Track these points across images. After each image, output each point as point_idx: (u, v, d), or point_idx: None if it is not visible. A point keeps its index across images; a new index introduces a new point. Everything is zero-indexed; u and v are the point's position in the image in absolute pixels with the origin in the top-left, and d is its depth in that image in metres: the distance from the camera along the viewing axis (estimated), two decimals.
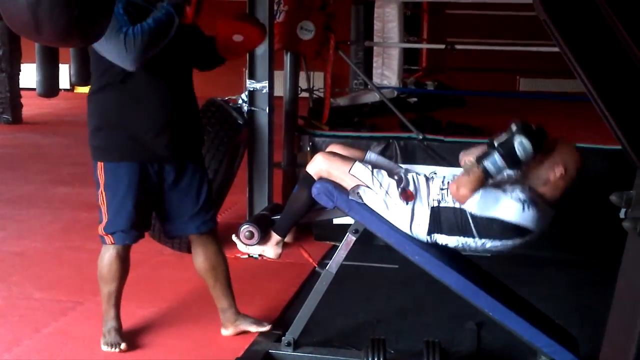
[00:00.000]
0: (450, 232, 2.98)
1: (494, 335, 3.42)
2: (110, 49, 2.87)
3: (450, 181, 3.00)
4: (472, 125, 5.23)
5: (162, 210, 3.32)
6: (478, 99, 7.50)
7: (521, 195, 2.87)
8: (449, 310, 3.68)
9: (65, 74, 11.32)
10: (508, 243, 2.95)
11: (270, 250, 3.21)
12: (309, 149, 4.98)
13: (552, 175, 2.94)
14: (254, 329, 3.47)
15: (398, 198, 2.99)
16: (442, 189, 3.02)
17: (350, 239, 3.10)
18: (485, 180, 2.88)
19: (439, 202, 2.99)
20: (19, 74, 10.27)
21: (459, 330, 3.57)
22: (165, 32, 2.91)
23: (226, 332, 3.51)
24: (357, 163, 3.05)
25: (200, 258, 3.42)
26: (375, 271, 4.45)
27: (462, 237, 2.97)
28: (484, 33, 9.22)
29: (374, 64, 7.01)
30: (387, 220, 3.03)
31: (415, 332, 3.57)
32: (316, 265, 4.44)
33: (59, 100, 10.63)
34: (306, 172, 3.11)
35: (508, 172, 3.02)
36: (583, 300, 4.05)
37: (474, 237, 2.95)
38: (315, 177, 3.06)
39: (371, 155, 3.24)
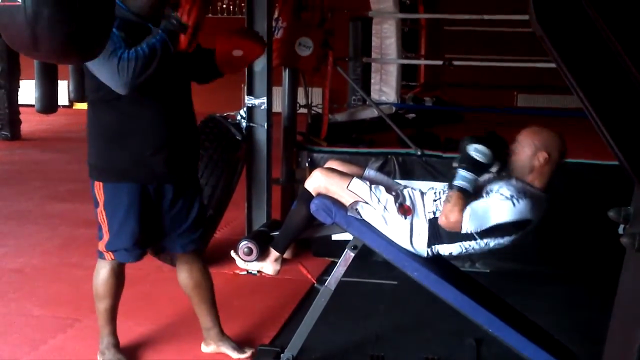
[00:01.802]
0: (451, 240, 2.99)
1: (493, 351, 3.41)
2: (103, 71, 2.85)
3: (442, 191, 3.03)
4: None
5: (157, 227, 3.27)
6: (476, 115, 7.51)
7: (507, 191, 2.90)
8: (448, 327, 3.67)
9: (64, 91, 11.34)
10: (510, 238, 2.97)
11: (269, 266, 3.20)
12: (307, 164, 4.98)
13: (535, 161, 2.98)
14: (234, 355, 3.45)
15: (396, 213, 3.00)
16: (435, 201, 3.04)
17: (349, 255, 3.10)
18: (467, 198, 2.89)
19: (434, 213, 3.01)
20: (17, 91, 10.29)
21: (458, 347, 3.56)
22: (158, 59, 2.87)
23: (206, 349, 3.49)
24: (355, 179, 3.05)
25: (184, 274, 3.40)
26: (374, 287, 4.44)
27: (464, 242, 2.98)
28: (482, 49, 9.25)
29: (372, 80, 7.02)
30: (386, 236, 3.03)
31: (414, 348, 3.56)
32: (315, 282, 4.43)
33: (58, 117, 10.65)
34: (304, 188, 3.11)
35: (488, 176, 3.06)
36: (582, 316, 4.04)
37: (475, 239, 2.96)
38: (314, 194, 3.06)
39: (370, 172, 3.24)
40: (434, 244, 3.00)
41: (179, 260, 3.41)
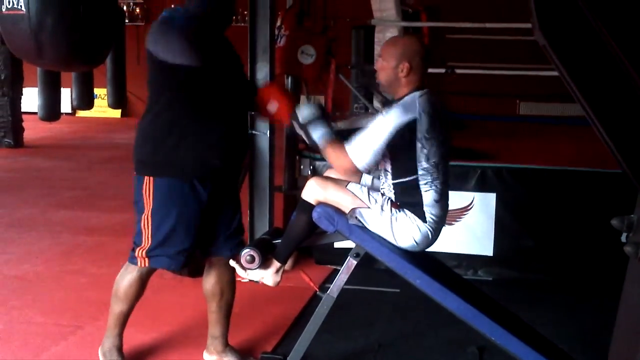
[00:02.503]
0: (418, 197, 3.00)
1: (496, 359, 3.40)
2: (174, 47, 2.96)
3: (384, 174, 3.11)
4: (472, 149, 5.25)
5: (203, 230, 3.24)
6: (478, 123, 7.51)
7: (379, 114, 2.99)
8: (451, 335, 3.67)
9: (67, 98, 11.35)
10: (423, 143, 2.96)
11: (269, 277, 3.20)
12: (309, 172, 4.98)
13: (400, 73, 3.02)
14: None
15: (391, 210, 3.00)
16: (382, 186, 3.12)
17: (351, 262, 3.09)
18: (335, 141, 3.03)
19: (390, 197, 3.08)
20: (20, 98, 10.32)
21: (461, 355, 3.55)
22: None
23: (209, 357, 3.48)
24: (351, 183, 3.06)
25: (212, 280, 3.38)
26: (376, 295, 4.44)
27: (422, 185, 2.99)
28: (484, 57, 9.26)
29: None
30: (389, 244, 3.03)
31: (417, 356, 3.55)
32: (317, 290, 4.43)
33: (61, 124, 10.66)
34: (302, 199, 3.11)
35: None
36: (585, 325, 4.03)
37: (415, 174, 2.98)
38: (313, 203, 3.06)
39: (366, 178, 3.26)
40: (423, 216, 3.00)
41: (211, 264, 3.38)
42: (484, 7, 10.06)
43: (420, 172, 2.97)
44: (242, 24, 5.90)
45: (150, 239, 3.12)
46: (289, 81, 5.22)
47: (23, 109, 10.41)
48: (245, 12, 5.00)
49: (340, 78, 5.35)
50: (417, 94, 3.00)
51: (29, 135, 10.51)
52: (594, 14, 1.57)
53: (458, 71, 6.85)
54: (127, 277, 3.23)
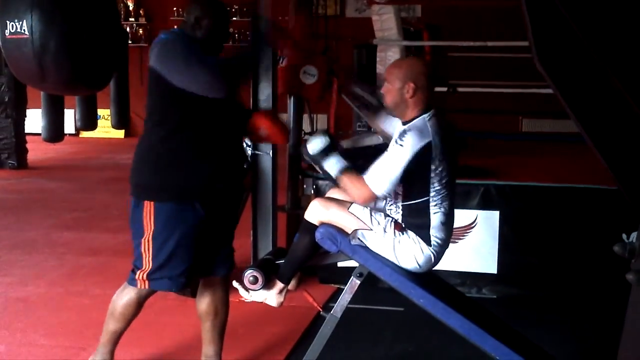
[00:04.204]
0: (426, 217, 3.01)
1: None
2: (199, 79, 3.00)
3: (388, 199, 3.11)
4: (475, 167, 5.24)
5: (203, 249, 3.26)
6: (480, 141, 7.51)
7: (393, 141, 3.02)
8: (455, 354, 3.65)
9: (70, 119, 11.39)
10: (436, 166, 2.98)
11: (272, 298, 3.20)
12: (312, 192, 4.98)
13: (406, 94, 3.05)
14: None
15: (394, 232, 3.00)
16: (389, 208, 3.12)
17: (354, 282, 3.09)
18: (352, 171, 3.05)
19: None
20: (24, 120, 10.34)
21: None
22: (250, 68, 3.24)
23: None
24: (354, 204, 3.06)
25: (206, 300, 3.39)
26: (380, 314, 4.42)
27: (431, 207, 3.01)
28: (486, 75, 9.27)
29: None
30: (391, 263, 3.03)
31: None
32: (321, 310, 4.40)
33: (64, 145, 10.67)
34: (305, 219, 3.11)
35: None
36: (589, 343, 4.02)
37: (427, 195, 3.00)
38: (316, 223, 3.06)
39: None
40: (428, 238, 2.99)
41: (205, 285, 3.38)
42: (485, 26, 10.10)
43: (432, 193, 2.98)
44: (246, 44, 5.92)
45: (150, 262, 3.13)
46: (291, 101, 5.23)
47: (27, 130, 10.43)
48: (248, 32, 5.01)
49: (342, 97, 5.35)
50: (425, 117, 3.02)
51: (33, 156, 10.52)
52: (592, 44, 1.58)
53: (460, 89, 6.86)
54: (125, 297, 3.24)
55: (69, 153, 11.44)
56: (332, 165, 3.06)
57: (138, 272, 3.16)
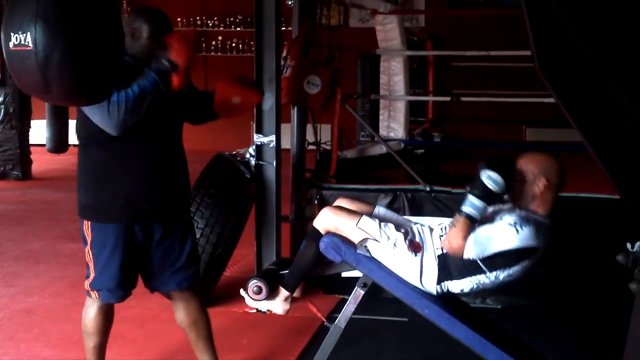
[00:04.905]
0: (461, 275, 2.98)
1: None
2: (95, 113, 2.90)
3: (448, 226, 3.01)
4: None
5: (145, 266, 3.26)
6: (485, 150, 7.51)
7: (511, 219, 2.91)
8: None
9: (74, 130, 11.43)
10: (519, 268, 2.96)
11: (278, 306, 3.19)
12: (316, 202, 4.98)
13: (536, 189, 2.99)
14: None
15: (406, 250, 2.99)
16: (441, 236, 3.04)
17: (358, 292, 3.09)
18: (473, 225, 2.90)
19: (442, 249, 3.00)
20: (28, 131, 10.36)
21: None
22: (149, 100, 2.91)
23: None
24: (364, 217, 3.06)
25: (181, 312, 3.38)
26: (384, 325, 4.41)
27: (474, 277, 2.97)
28: (489, 84, 9.28)
29: (381, 117, 7.05)
30: (396, 274, 3.02)
31: None
32: (325, 320, 4.41)
33: (69, 156, 10.68)
34: (313, 227, 3.11)
35: (499, 205, 3.08)
36: (595, 353, 4.00)
37: (485, 272, 2.96)
38: (322, 232, 3.06)
39: (379, 210, 3.25)
40: (443, 281, 3.00)
41: (175, 298, 3.38)
42: (488, 35, 10.11)
43: (489, 273, 2.98)
44: (249, 54, 5.94)
45: (93, 271, 3.17)
46: (294, 111, 5.24)
47: (31, 141, 10.46)
48: (252, 42, 5.03)
49: (346, 107, 5.36)
50: (550, 223, 3.00)
51: (37, 167, 10.54)
52: (593, 53, 1.58)
53: (464, 99, 6.86)
54: (89, 311, 3.26)
55: (73, 164, 11.37)
56: (470, 203, 2.91)
57: (86, 282, 3.21)
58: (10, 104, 10.06)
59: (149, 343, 3.96)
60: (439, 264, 3.00)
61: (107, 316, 3.27)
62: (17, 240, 6.66)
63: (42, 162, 10.79)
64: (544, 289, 4.68)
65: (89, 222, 3.14)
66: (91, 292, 3.21)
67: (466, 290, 3.03)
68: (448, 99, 7.17)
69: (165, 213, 3.19)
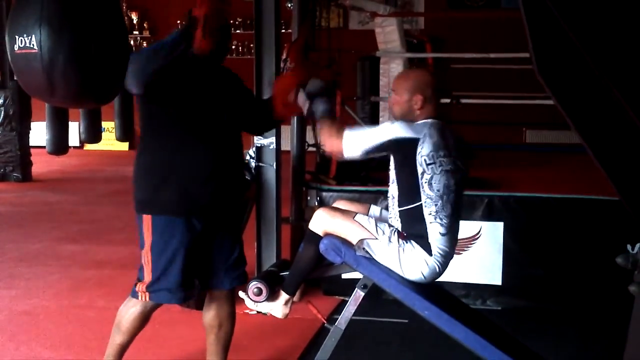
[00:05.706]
0: (418, 216, 3.02)
1: None
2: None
3: (392, 196, 3.12)
4: (478, 178, 5.25)
5: (205, 264, 3.26)
6: (484, 152, 7.52)
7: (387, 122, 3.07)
8: None
9: (74, 132, 11.43)
10: (437, 173, 3.00)
11: (278, 309, 3.20)
12: (316, 203, 4.99)
13: (414, 105, 3.10)
14: None
15: (397, 241, 3.00)
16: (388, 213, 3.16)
17: (358, 294, 3.09)
18: (334, 121, 3.16)
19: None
20: (28, 133, 10.37)
21: None
22: (166, 51, 2.96)
23: None
24: (359, 214, 3.08)
25: (211, 312, 3.38)
26: (384, 326, 4.42)
27: (421, 203, 3.02)
28: (489, 86, 9.28)
29: (380, 119, 7.05)
30: (396, 275, 3.03)
31: None
32: (325, 321, 4.40)
33: (69, 158, 10.71)
34: (310, 230, 3.12)
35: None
36: (594, 355, 4.00)
37: (418, 192, 3.02)
38: (321, 234, 3.07)
39: (374, 209, 3.26)
40: (421, 241, 3.01)
41: (211, 297, 3.38)
42: (488, 37, 10.12)
43: (424, 199, 2.98)
44: (249, 57, 5.95)
45: (150, 274, 3.14)
46: None
47: (31, 143, 10.47)
48: (252, 45, 5.04)
49: (346, 109, 5.37)
50: (429, 121, 3.04)
51: (37, 169, 10.55)
52: (591, 55, 1.59)
53: (463, 101, 6.87)
54: (130, 310, 3.24)
55: (73, 166, 11.47)
56: (322, 107, 3.16)
57: (139, 284, 3.18)
58: (10, 106, 10.07)
59: (147, 344, 3.96)
60: (416, 241, 3.02)
61: (146, 319, 3.27)
62: (17, 242, 6.67)
63: (42, 164, 10.80)
64: (544, 291, 4.69)
65: (149, 217, 3.12)
66: (141, 294, 3.18)
67: (442, 231, 2.99)
68: (448, 101, 7.17)
69: (222, 207, 3.22)
